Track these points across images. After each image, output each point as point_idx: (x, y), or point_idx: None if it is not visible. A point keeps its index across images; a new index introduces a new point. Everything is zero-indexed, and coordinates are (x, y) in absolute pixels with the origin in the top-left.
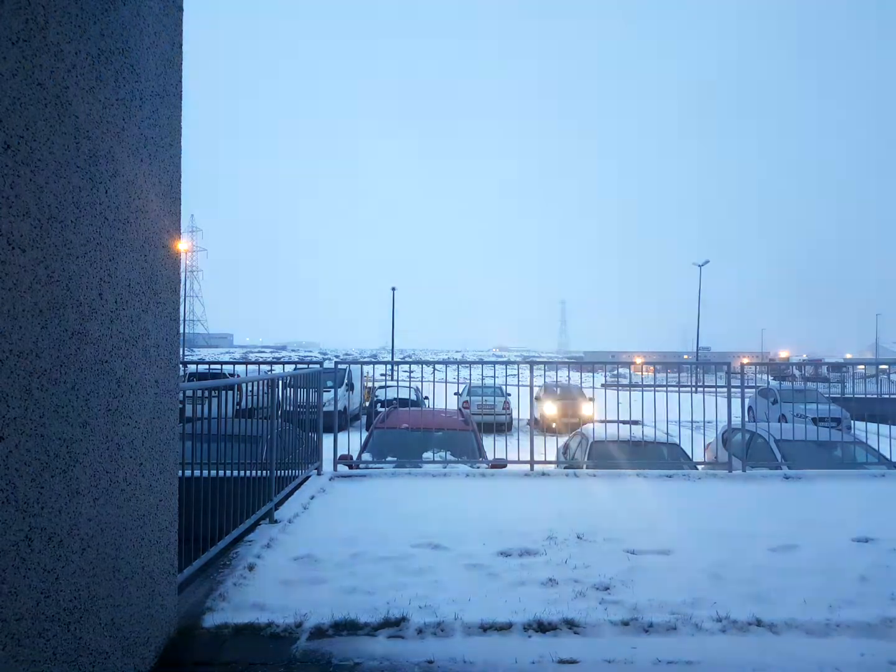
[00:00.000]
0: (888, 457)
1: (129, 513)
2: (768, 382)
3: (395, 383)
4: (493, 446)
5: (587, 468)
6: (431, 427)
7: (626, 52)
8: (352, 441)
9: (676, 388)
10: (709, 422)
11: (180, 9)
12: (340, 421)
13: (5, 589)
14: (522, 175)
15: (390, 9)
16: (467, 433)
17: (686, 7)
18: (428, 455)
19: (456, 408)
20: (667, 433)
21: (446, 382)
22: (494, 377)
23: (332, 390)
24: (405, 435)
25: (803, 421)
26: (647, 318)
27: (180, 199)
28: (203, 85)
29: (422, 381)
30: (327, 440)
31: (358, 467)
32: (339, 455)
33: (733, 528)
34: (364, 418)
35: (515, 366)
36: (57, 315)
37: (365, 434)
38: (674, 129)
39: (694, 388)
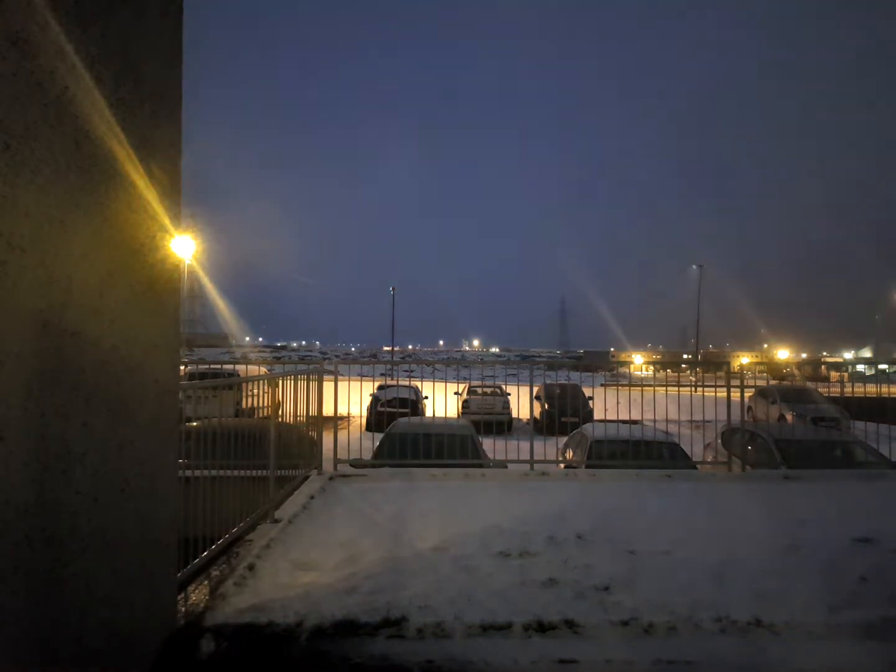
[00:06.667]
0: (888, 457)
1: (129, 513)
2: (768, 382)
3: (395, 383)
4: (493, 446)
5: (587, 468)
6: (431, 431)
7: (626, 47)
8: (352, 441)
9: (676, 388)
10: (709, 422)
11: (180, 10)
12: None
13: (5, 589)
14: (521, 174)
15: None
16: (467, 435)
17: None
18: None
19: (456, 414)
20: (666, 433)
21: (446, 382)
22: (494, 377)
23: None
24: (406, 436)
25: (803, 421)
26: (648, 318)
27: (180, 199)
28: (204, 83)
29: (422, 381)
30: (327, 440)
31: (358, 467)
32: (338, 455)
33: (733, 528)
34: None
35: (515, 366)
36: (57, 315)
37: (365, 434)
38: (676, 126)
39: (694, 388)
